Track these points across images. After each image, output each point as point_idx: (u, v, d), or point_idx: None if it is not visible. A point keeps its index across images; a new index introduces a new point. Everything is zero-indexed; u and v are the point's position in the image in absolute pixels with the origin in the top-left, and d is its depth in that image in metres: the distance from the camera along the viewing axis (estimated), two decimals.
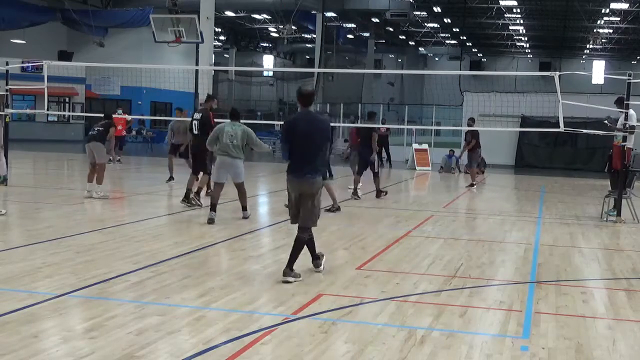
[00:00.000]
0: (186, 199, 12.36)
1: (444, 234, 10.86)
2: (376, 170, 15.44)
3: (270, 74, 58.90)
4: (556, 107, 13.04)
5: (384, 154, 27.22)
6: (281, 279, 7.14)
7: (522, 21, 48.79)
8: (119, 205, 13.66)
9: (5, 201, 13.39)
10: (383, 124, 28.77)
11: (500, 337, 5.62)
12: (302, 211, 7.29)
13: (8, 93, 15.71)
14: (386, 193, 15.73)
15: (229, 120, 11.18)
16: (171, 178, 16.76)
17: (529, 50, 64.09)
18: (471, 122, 20.48)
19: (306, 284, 7.08)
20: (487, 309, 6.48)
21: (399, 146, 28.59)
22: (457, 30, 52.76)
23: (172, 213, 11.92)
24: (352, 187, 15.35)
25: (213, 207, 10.85)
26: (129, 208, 12.70)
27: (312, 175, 7.19)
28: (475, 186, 18.88)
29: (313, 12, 39.31)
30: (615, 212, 12.81)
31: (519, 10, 44.55)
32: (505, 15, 46.42)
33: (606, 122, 13.89)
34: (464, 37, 53.20)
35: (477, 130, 19.41)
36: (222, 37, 52.64)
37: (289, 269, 7.21)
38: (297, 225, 7.41)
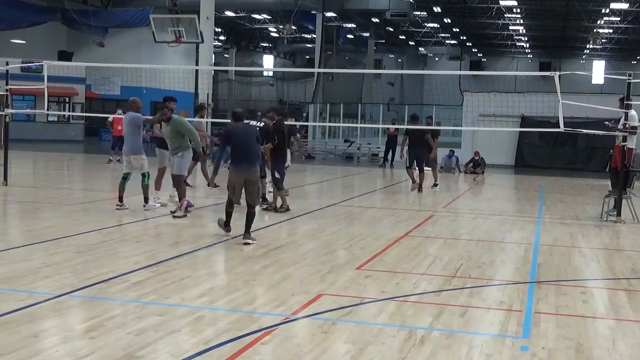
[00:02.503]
0: (263, 201, 12.72)
1: (444, 234, 10.86)
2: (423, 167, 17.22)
3: (270, 74, 58.87)
4: (556, 107, 13.02)
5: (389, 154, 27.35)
6: (242, 242, 9.10)
7: (522, 21, 48.76)
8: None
9: (5, 201, 13.40)
10: (393, 124, 28.80)
11: (500, 337, 5.62)
12: (250, 194, 9.52)
13: (8, 93, 15.71)
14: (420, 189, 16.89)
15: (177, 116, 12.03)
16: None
17: (529, 50, 64.06)
18: (430, 120, 20.55)
19: (306, 284, 7.09)
20: (487, 309, 6.48)
21: (399, 146, 28.56)
22: (457, 30, 52.72)
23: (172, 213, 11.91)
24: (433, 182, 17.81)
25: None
26: (129, 208, 12.65)
27: (254, 167, 9.66)
28: (422, 187, 18.39)
29: (313, 12, 39.32)
30: (615, 212, 12.81)
31: (519, 10, 44.53)
32: (505, 15, 46.41)
33: (607, 122, 13.89)
34: (464, 37, 53.17)
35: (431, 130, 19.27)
36: (222, 37, 52.62)
37: (248, 234, 9.27)
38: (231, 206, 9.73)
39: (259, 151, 9.97)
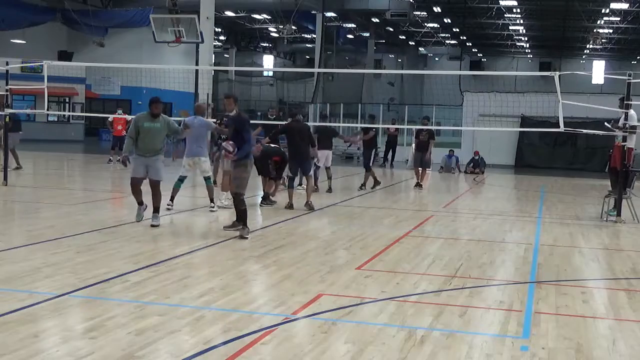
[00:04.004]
0: (264, 200, 13.44)
1: (444, 234, 10.86)
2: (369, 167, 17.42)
3: (270, 74, 58.86)
4: (556, 107, 13.02)
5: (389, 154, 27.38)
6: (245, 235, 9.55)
7: (522, 21, 48.77)
8: (119, 205, 13.65)
9: (5, 201, 13.40)
10: (393, 124, 28.81)
11: (500, 337, 5.63)
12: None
13: (8, 93, 15.71)
14: (364, 187, 17.32)
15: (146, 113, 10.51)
16: None
17: (529, 50, 64.08)
18: (426, 120, 20.53)
19: (306, 284, 7.09)
20: (487, 309, 6.48)
21: (399, 146, 28.65)
22: (457, 30, 52.74)
23: (171, 213, 11.92)
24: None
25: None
26: (129, 208, 12.68)
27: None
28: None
29: (313, 12, 39.31)
30: (615, 212, 12.81)
31: (519, 10, 44.53)
32: (505, 15, 46.41)
33: (607, 123, 13.88)
34: (464, 37, 53.16)
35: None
36: (222, 37, 52.62)
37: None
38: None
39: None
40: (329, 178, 16.13)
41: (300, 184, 15.65)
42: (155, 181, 10.43)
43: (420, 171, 18.63)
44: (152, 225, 10.33)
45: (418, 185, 18.41)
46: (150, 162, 10.37)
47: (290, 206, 12.82)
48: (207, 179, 12.23)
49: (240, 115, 10.19)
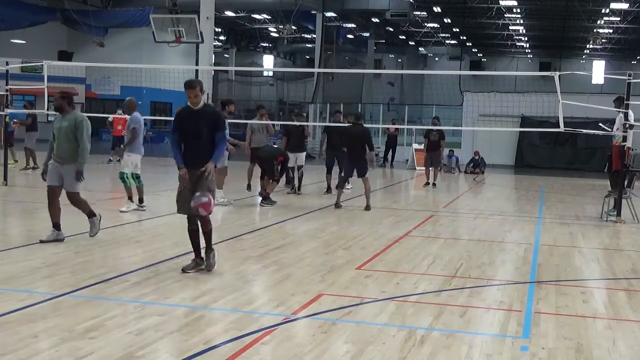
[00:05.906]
0: (264, 200, 13.48)
1: (444, 234, 10.86)
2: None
3: (270, 74, 58.83)
4: (556, 107, 13.02)
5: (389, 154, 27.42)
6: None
7: (522, 21, 48.75)
8: (119, 205, 13.63)
9: (5, 201, 13.40)
10: (393, 124, 28.83)
11: (500, 337, 5.62)
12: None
13: (8, 93, 15.71)
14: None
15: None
16: (249, 187, 15.56)
17: (529, 50, 64.06)
18: (437, 120, 20.65)
19: (306, 284, 7.09)
20: (487, 309, 6.48)
21: (399, 146, 28.68)
22: (457, 30, 52.73)
23: (171, 213, 11.90)
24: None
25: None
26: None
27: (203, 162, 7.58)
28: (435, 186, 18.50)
29: (313, 12, 39.29)
30: (615, 212, 12.81)
31: (519, 10, 44.51)
32: (505, 15, 46.39)
33: (600, 124, 13.92)
34: (464, 37, 53.17)
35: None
36: (222, 37, 52.61)
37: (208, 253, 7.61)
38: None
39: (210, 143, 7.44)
40: (299, 179, 15.87)
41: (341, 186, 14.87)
42: (69, 193, 9.05)
43: (431, 171, 18.68)
44: (91, 235, 9.10)
45: (428, 184, 18.53)
46: (63, 170, 9.01)
47: (338, 206, 13.34)
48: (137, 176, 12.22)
49: (217, 109, 8.44)
